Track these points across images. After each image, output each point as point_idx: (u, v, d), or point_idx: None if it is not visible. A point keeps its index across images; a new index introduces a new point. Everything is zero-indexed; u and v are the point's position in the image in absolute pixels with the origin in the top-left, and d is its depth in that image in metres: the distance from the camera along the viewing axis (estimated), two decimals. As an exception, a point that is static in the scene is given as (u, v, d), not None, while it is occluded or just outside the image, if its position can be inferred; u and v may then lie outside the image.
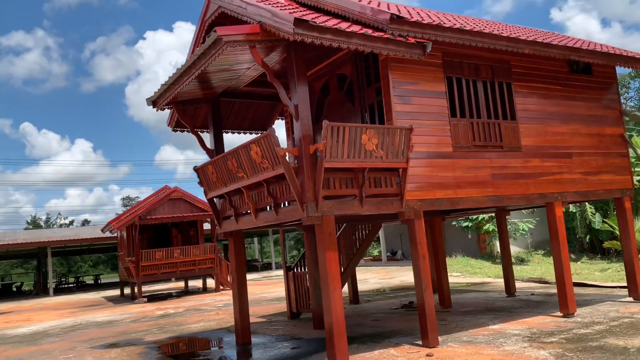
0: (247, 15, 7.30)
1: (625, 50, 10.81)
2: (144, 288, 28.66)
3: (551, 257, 22.29)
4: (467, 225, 23.31)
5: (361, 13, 7.64)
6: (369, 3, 8.06)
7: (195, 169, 9.35)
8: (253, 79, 9.35)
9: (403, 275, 21.69)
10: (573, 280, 9.31)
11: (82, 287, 36.17)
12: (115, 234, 26.15)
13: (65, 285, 37.87)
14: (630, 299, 10.51)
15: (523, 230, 22.25)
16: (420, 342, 7.86)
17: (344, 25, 6.84)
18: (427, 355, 7.15)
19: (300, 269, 12.03)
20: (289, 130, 10.57)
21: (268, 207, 8.07)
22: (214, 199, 9.50)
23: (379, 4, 8.33)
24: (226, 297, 19.63)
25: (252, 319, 12.37)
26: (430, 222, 12.29)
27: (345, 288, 15.25)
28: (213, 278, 23.17)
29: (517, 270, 19.38)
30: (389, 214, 7.92)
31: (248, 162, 7.74)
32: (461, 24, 8.46)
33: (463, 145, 8.54)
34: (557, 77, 9.97)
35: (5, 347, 11.80)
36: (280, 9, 7.07)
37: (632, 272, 10.45)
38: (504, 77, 9.26)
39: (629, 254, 10.49)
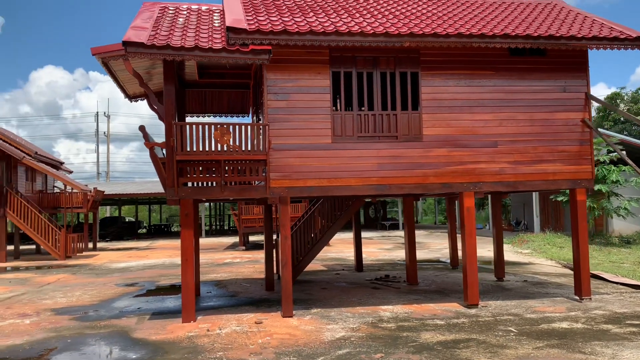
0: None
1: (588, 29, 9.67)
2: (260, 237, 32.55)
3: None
4: (562, 200, 21.45)
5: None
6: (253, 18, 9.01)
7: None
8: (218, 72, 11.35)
9: (479, 248, 21.26)
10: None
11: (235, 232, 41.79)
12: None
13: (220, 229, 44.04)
14: (577, 297, 9.83)
15: (625, 209, 19.85)
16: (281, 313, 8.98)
17: (176, 42, 8.04)
18: (256, 322, 8.34)
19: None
20: (254, 114, 11.92)
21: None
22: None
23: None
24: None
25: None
26: (404, 201, 12.65)
27: (352, 254, 16.13)
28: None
29: (612, 253, 17.36)
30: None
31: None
32: (344, 23, 8.84)
33: (346, 137, 9.08)
34: (489, 62, 9.56)
35: (85, 276, 15.65)
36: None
37: (577, 270, 9.73)
38: (409, 67, 9.34)
39: (577, 251, 9.74)
